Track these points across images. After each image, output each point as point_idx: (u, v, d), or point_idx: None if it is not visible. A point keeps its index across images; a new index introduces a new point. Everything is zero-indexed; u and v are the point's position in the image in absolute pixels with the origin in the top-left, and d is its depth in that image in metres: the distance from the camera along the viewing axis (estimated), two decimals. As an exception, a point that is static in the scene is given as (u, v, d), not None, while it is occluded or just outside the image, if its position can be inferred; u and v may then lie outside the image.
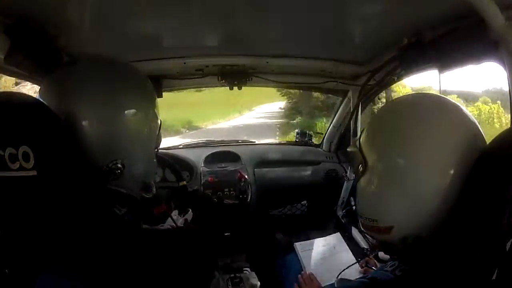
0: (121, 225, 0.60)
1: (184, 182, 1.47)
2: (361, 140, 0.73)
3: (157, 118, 0.78)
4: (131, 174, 0.70)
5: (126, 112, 0.69)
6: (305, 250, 1.53)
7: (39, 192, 0.54)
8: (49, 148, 0.54)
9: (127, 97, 0.71)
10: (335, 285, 0.73)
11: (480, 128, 0.66)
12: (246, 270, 1.76)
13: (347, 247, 1.56)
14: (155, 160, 0.79)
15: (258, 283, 1.70)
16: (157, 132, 0.79)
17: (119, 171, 0.66)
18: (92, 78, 0.68)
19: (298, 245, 1.54)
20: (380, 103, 1.91)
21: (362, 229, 0.75)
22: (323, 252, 1.53)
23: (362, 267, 1.40)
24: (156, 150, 0.80)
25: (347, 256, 1.51)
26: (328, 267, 1.41)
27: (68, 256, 0.55)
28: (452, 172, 0.60)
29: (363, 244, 1.81)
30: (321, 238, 1.62)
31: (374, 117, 0.75)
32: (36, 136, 0.53)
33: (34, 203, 0.54)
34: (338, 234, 1.66)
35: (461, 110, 0.67)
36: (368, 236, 0.77)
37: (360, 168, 0.70)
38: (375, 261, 1.47)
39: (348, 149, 0.77)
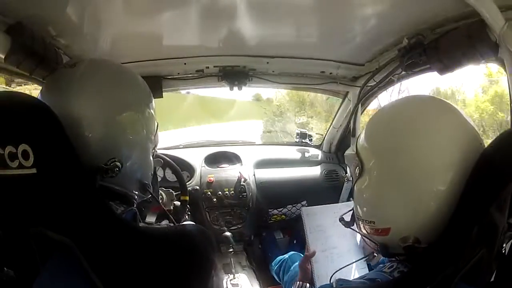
0: (120, 223, 0.59)
1: (187, 197, 1.44)
2: (358, 143, 0.73)
3: (154, 119, 0.79)
4: (128, 173, 0.71)
5: (124, 112, 0.70)
6: (310, 215, 1.45)
7: (38, 190, 0.53)
8: (49, 147, 0.54)
9: (126, 97, 0.72)
10: (333, 286, 0.72)
11: (477, 131, 0.66)
12: (246, 270, 1.76)
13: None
14: (152, 160, 0.79)
15: (258, 283, 1.71)
16: (155, 132, 0.79)
17: (117, 169, 0.67)
18: (91, 80, 0.69)
19: (304, 210, 1.47)
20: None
21: (360, 232, 0.75)
22: (328, 219, 1.44)
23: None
24: (154, 150, 0.80)
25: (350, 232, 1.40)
26: (328, 236, 1.33)
27: (65, 255, 0.54)
28: (450, 175, 0.60)
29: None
30: (331, 205, 1.49)
31: (371, 120, 0.75)
32: (36, 134, 0.53)
33: (33, 201, 0.54)
34: (349, 203, 1.53)
35: (459, 112, 0.67)
36: (366, 240, 0.76)
37: (357, 170, 0.71)
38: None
39: (345, 153, 0.78)
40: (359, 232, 0.77)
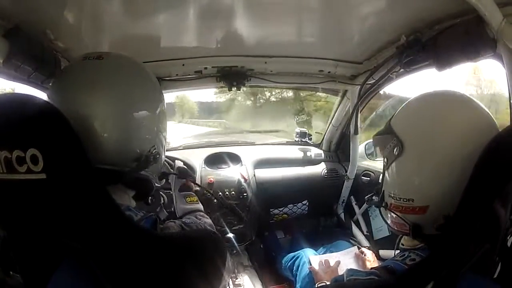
0: (134, 229, 0.58)
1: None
2: (396, 124, 0.75)
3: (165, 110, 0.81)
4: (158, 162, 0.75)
5: (151, 105, 0.73)
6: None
7: (48, 196, 0.52)
8: (59, 152, 0.52)
9: (149, 91, 0.74)
10: (345, 276, 0.73)
11: (496, 124, 0.69)
12: (248, 270, 1.76)
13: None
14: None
15: (260, 283, 1.70)
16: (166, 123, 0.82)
17: (158, 155, 0.70)
18: (118, 74, 0.69)
19: (312, 258, 1.54)
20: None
21: (392, 210, 0.75)
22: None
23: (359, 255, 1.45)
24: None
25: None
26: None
27: (77, 261, 0.54)
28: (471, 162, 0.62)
29: (365, 242, 1.82)
30: (336, 253, 1.59)
31: (413, 104, 0.77)
32: (45, 139, 0.51)
33: (42, 207, 0.52)
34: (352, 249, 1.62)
35: (482, 108, 0.71)
36: (391, 222, 0.78)
37: (396, 151, 0.73)
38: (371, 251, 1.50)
39: (376, 135, 0.80)
40: (388, 212, 0.77)
